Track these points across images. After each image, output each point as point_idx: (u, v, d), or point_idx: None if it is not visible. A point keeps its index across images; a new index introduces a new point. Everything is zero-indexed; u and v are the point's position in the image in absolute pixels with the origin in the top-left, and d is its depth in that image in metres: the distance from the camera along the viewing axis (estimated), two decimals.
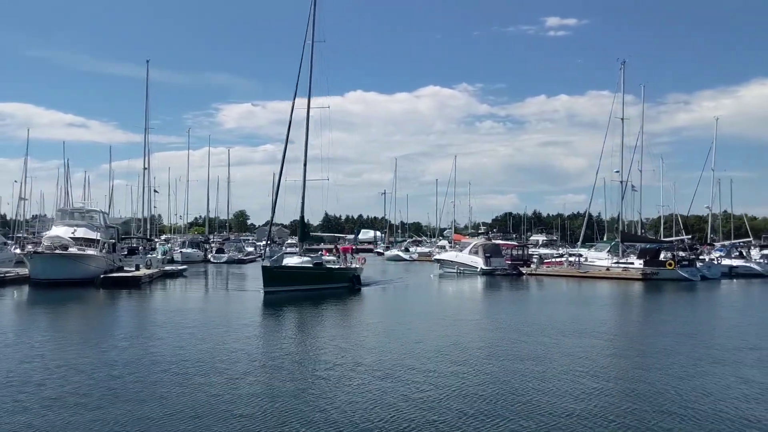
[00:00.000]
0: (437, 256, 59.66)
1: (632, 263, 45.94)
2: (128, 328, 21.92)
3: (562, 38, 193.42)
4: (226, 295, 36.24)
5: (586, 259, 50.26)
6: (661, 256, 46.18)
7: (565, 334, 20.21)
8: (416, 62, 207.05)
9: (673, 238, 53.21)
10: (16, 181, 66.75)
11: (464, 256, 51.64)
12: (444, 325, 22.47)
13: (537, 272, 49.34)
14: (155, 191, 60.67)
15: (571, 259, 50.94)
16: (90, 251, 38.43)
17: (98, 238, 40.02)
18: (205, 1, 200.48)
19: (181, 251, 65.79)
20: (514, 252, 54.39)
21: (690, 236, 55.76)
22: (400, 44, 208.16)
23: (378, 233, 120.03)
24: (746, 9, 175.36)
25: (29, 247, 38.84)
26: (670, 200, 70.72)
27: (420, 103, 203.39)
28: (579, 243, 56.63)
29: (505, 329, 21.63)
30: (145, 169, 53.56)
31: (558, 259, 53.10)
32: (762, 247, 62.33)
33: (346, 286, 35.64)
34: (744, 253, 55.63)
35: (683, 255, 46.62)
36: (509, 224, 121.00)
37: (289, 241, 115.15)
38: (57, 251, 36.61)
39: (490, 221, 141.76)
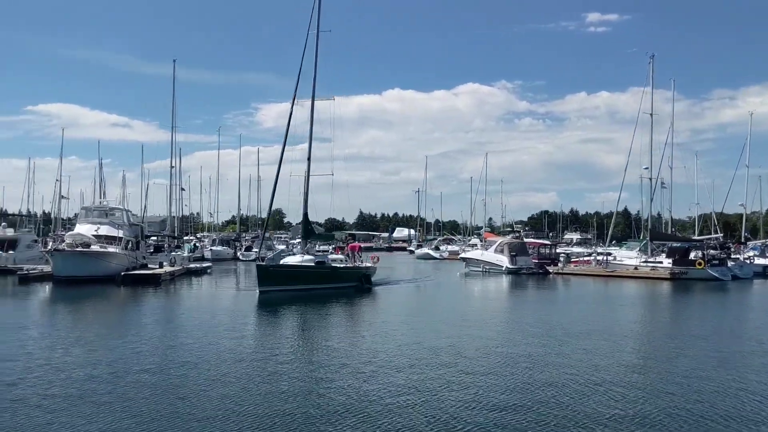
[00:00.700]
0: (463, 255, 58.66)
1: (661, 262, 44.39)
2: (125, 327, 21.54)
3: (603, 34, 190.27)
4: (231, 294, 34.48)
5: (615, 258, 48.88)
6: (691, 255, 44.53)
7: (586, 335, 19.25)
8: (455, 60, 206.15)
9: (704, 237, 51.14)
10: (57, 180, 67.73)
11: (490, 255, 50.65)
12: (449, 326, 21.36)
13: (564, 271, 48.10)
14: (182, 189, 60.79)
15: (599, 258, 49.50)
16: (111, 249, 38.52)
17: (120, 235, 40.15)
18: (246, 4, 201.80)
19: (210, 249, 66.24)
20: (542, 250, 53.06)
21: (722, 235, 53.50)
22: (438, 42, 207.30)
23: (412, 231, 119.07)
24: None
25: (51, 244, 39.00)
26: (706, 198, 68.37)
27: (458, 100, 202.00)
28: (607, 241, 55.13)
29: (521, 330, 20.54)
30: (172, 167, 53.95)
31: (586, 258, 51.63)
32: None
33: (354, 285, 34.29)
34: None
35: (714, 254, 44.81)
36: (544, 222, 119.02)
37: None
38: (78, 249, 36.78)
39: (526, 219, 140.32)
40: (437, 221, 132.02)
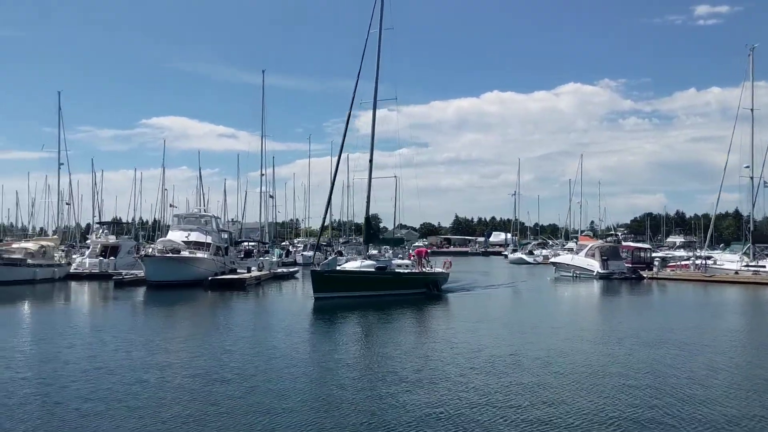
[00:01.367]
0: (553, 259, 56.77)
1: (764, 266, 41.22)
2: (180, 331, 21.85)
3: (713, 27, 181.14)
4: (301, 300, 32.94)
5: (715, 262, 45.81)
6: None
7: (681, 346, 17.75)
8: (555, 59, 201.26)
9: None
10: (165, 189, 71.01)
11: (580, 259, 48.68)
12: (513, 333, 20.32)
13: (659, 276, 45.57)
14: (270, 196, 61.95)
15: (698, 262, 46.53)
16: (200, 254, 39.68)
17: (209, 241, 41.30)
18: (347, 13, 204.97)
19: (302, 254, 67.24)
20: (636, 254, 50.48)
21: None
22: (538, 41, 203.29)
23: (509, 236, 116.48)
24: None
25: (143, 250, 40.53)
26: None
27: (560, 101, 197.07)
28: (705, 244, 51.87)
29: (606, 341, 19.11)
30: (262, 175, 54.89)
31: (684, 262, 48.67)
32: None
33: (421, 292, 32.91)
34: None
35: None
36: (647, 225, 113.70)
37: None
38: (168, 254, 38.00)
39: (629, 222, 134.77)
40: (536, 225, 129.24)
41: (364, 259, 34.51)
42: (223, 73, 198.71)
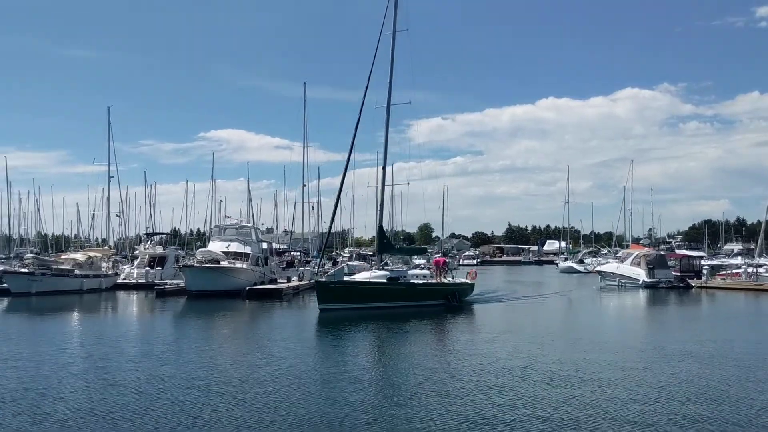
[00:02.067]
0: (598, 268, 55.04)
1: None
2: (195, 340, 21.83)
3: None
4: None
5: (767, 270, 43.62)
6: None
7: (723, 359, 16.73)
8: (612, 65, 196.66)
9: None
10: (221, 200, 72.16)
11: (625, 268, 47.03)
12: (533, 346, 19.34)
13: (708, 285, 43.60)
14: (311, 208, 61.98)
15: (750, 270, 44.34)
16: (239, 264, 39.89)
17: (248, 252, 41.52)
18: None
19: (347, 264, 66.95)
20: (684, 262, 48.51)
21: None
22: (594, 46, 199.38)
23: (563, 244, 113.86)
24: None
25: (181, 261, 41.02)
26: None
27: (617, 106, 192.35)
28: (757, 251, 49.50)
29: (649, 356, 18.00)
30: (304, 186, 54.92)
31: (735, 271, 46.50)
32: None
33: (440, 303, 31.42)
34: None
35: None
36: (705, 232, 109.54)
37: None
38: (207, 265, 38.34)
39: (687, 229, 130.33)
40: (591, 233, 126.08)
41: (378, 269, 33.38)
42: (280, 87, 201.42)
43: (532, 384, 13.62)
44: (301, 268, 48.00)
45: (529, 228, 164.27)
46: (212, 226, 51.04)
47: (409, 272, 34.28)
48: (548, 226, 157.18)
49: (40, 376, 14.68)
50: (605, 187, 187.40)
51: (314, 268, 50.23)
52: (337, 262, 69.27)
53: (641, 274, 44.84)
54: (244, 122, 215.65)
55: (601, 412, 11.14)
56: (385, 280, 31.61)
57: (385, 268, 33.80)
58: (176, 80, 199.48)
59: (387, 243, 35.37)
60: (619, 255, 54.45)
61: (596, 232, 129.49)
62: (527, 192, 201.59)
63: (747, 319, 28.80)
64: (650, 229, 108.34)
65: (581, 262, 77.81)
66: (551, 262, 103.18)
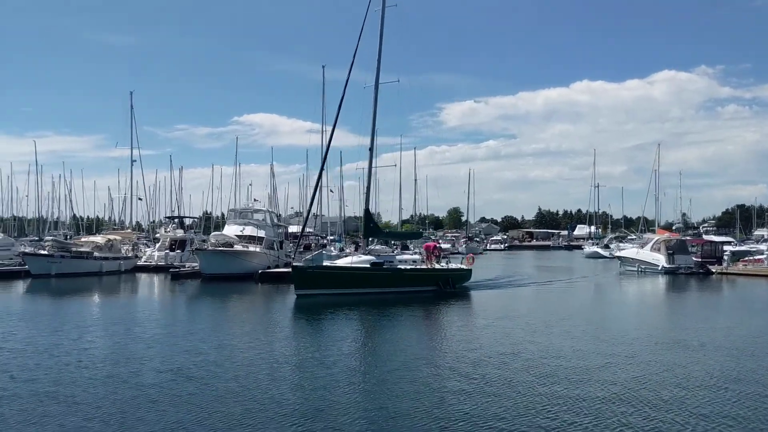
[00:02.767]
0: (617, 253, 53.94)
1: None
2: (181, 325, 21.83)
3: None
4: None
5: None
6: None
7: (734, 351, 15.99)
8: (649, 46, 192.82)
9: None
10: (250, 184, 72.85)
11: (645, 253, 46.00)
12: (520, 333, 18.86)
13: (729, 271, 42.40)
14: (331, 191, 61.70)
15: None
16: (252, 248, 39.98)
17: (262, 235, 41.57)
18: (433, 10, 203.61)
19: (368, 248, 66.77)
20: (706, 248, 47.26)
21: None
22: (630, 28, 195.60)
23: (593, 228, 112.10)
24: None
25: (195, 244, 41.28)
26: None
27: (654, 89, 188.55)
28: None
29: (619, 341, 17.50)
30: (322, 170, 54.42)
31: (759, 257, 45.12)
32: None
33: (431, 289, 30.41)
34: None
35: None
36: (737, 218, 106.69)
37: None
38: (220, 248, 38.52)
39: (720, 214, 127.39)
40: (624, 217, 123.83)
41: (363, 254, 32.52)
42: (312, 71, 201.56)
43: (507, 372, 13.21)
44: (316, 252, 47.85)
45: (560, 212, 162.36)
46: (228, 210, 51.27)
47: (398, 257, 33.48)
48: (579, 211, 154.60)
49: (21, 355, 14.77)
50: (641, 171, 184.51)
51: (333, 252, 50.42)
52: (359, 246, 69.36)
53: (661, 260, 43.85)
54: (277, 106, 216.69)
55: (565, 405, 10.73)
56: (368, 266, 30.58)
57: (372, 252, 33.19)
58: (210, 64, 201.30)
59: (374, 227, 34.12)
60: (640, 240, 53.16)
61: (629, 217, 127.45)
62: (561, 176, 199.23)
63: (758, 306, 27.79)
64: (684, 214, 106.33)
65: (607, 247, 76.20)
66: (580, 247, 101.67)
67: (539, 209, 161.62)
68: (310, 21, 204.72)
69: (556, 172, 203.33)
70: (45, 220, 74.64)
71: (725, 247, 49.34)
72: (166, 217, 58.40)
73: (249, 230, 41.56)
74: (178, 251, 47.21)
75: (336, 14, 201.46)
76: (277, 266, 41.05)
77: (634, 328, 20.17)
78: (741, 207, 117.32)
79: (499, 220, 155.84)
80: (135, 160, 54.77)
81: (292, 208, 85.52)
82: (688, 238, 55.63)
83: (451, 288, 31.15)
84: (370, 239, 36.53)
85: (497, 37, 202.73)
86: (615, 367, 13.77)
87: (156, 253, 47.92)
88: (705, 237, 63.95)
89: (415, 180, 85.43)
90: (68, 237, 55.89)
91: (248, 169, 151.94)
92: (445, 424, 9.59)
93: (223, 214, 79.24)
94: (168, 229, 51.49)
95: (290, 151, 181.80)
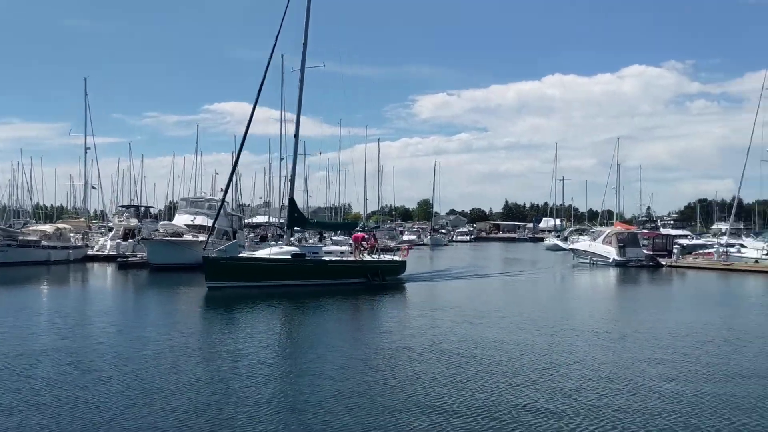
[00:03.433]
0: (571, 246, 54.27)
1: None
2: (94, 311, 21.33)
3: None
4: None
5: (739, 250, 42.75)
6: None
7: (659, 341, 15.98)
8: (619, 41, 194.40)
9: None
10: (217, 173, 72.22)
11: (597, 246, 46.20)
12: (441, 324, 18.51)
13: (678, 264, 42.77)
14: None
15: (721, 249, 43.42)
16: (203, 238, 39.23)
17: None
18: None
19: (331, 239, 66.49)
20: (657, 241, 47.71)
21: None
22: (601, 22, 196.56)
23: (558, 222, 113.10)
24: None
25: (141, 233, 40.63)
26: None
27: (624, 83, 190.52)
28: (728, 230, 48.64)
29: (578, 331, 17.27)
30: (281, 159, 53.75)
31: (709, 251, 45.64)
32: None
33: (358, 282, 29.18)
34: None
35: None
36: (697, 211, 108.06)
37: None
38: (167, 238, 37.88)
39: (682, 209, 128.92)
40: (589, 210, 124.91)
41: (286, 244, 31.44)
42: (286, 59, 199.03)
43: (417, 364, 12.92)
44: (273, 243, 47.33)
45: (528, 205, 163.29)
46: (180, 199, 50.54)
47: (324, 248, 32.71)
48: (546, 204, 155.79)
49: None
50: (609, 164, 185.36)
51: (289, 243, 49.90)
52: (324, 237, 68.87)
53: (612, 252, 44.03)
54: (249, 95, 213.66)
55: (467, 395, 10.48)
56: (289, 257, 29.31)
57: (296, 243, 32.36)
58: (180, 51, 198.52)
59: (299, 217, 33.03)
60: (592, 232, 53.42)
61: (594, 210, 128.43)
62: (532, 169, 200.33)
63: (697, 297, 27.92)
64: (648, 208, 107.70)
65: (566, 239, 76.73)
66: (544, 240, 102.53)
67: (506, 202, 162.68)
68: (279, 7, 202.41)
69: (526, 166, 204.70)
70: (5, 208, 73.16)
71: (679, 241, 49.89)
72: (120, 206, 57.40)
73: (200, 220, 40.95)
74: (131, 241, 46.37)
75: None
76: None
77: (560, 318, 19.90)
78: (703, 201, 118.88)
79: (468, 210, 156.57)
80: (89, 148, 53.54)
81: (260, 198, 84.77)
82: (644, 231, 56.24)
83: (380, 281, 29.93)
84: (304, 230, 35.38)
85: (470, 29, 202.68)
86: (526, 357, 13.58)
87: (108, 243, 47.03)
88: (663, 231, 64.80)
89: (379, 171, 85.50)
90: (25, 225, 54.67)
91: (218, 158, 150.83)
92: (333, 418, 9.27)
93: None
94: (122, 218, 50.52)
95: (261, 140, 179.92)
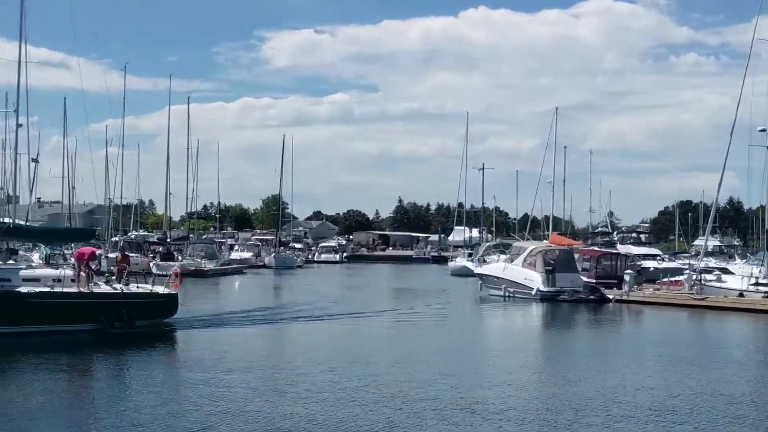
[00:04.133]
0: (478, 270, 54.28)
1: None
2: None
3: None
4: None
5: (719, 277, 43.85)
6: None
7: None
8: None
9: None
10: None
11: (515, 270, 46.08)
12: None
13: (632, 298, 43.18)
14: (33, 160, 57.15)
15: (694, 277, 44.27)
16: None
17: None
18: None
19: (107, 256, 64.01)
20: (604, 263, 48.47)
21: None
22: None
23: (475, 233, 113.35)
24: None
25: None
26: None
27: (581, 25, 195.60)
28: (702, 251, 50.33)
29: None
30: (19, 125, 50.39)
31: (677, 278, 46.78)
32: None
33: (87, 329, 27.16)
34: None
35: None
36: (677, 220, 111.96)
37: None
38: None
39: (657, 215, 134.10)
40: (525, 215, 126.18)
41: None
42: None
43: None
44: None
45: (433, 207, 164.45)
46: None
47: (24, 272, 29.83)
48: (461, 205, 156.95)
49: None
50: (558, 147, 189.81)
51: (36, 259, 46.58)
52: (17, 252, 65.33)
53: (536, 280, 43.93)
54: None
55: None
56: None
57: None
58: None
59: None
60: (510, 250, 53.41)
61: (537, 218, 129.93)
62: (443, 152, 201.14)
63: (648, 356, 26.62)
64: (610, 214, 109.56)
65: (482, 261, 76.51)
66: (445, 259, 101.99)
67: (400, 202, 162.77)
68: None
69: (436, 146, 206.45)
70: None
71: (639, 263, 50.85)
72: None
73: None
74: None
75: None
76: None
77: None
78: (686, 204, 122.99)
79: (342, 215, 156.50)
80: None
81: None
82: (588, 249, 56.91)
83: (127, 327, 27.69)
84: None
85: None
86: None
87: None
88: (621, 247, 66.15)
89: (196, 148, 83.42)
90: None
91: None
92: None
93: None
94: None
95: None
